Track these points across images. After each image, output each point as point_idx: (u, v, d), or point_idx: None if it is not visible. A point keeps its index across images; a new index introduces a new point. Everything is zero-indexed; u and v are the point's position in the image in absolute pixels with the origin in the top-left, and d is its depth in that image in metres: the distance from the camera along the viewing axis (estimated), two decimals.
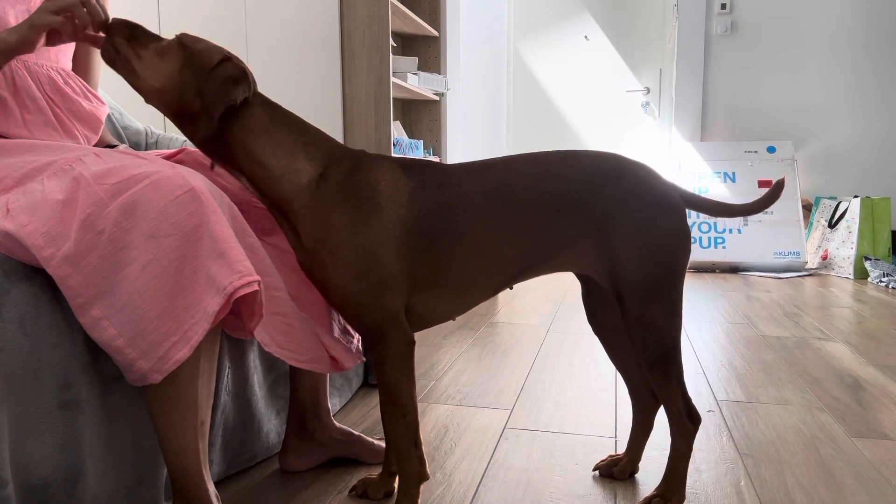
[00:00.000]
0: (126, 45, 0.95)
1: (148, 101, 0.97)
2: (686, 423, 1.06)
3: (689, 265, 4.13)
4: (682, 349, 2.10)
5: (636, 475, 1.23)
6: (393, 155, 0.86)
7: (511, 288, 1.30)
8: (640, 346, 1.02)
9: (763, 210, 1.09)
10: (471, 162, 1.03)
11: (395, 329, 0.97)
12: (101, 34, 0.97)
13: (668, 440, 1.38)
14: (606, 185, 1.00)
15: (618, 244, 1.00)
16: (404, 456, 1.02)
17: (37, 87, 1.09)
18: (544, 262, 1.03)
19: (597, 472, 1.24)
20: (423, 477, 1.05)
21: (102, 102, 1.21)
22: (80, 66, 1.30)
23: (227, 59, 0.96)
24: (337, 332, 1.12)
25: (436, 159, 3.44)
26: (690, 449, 1.08)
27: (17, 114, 1.06)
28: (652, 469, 1.25)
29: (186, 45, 0.95)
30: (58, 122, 1.12)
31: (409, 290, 0.98)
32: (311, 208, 0.95)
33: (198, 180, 0.88)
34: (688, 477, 1.22)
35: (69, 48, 1.21)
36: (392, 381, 0.98)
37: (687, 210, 1.08)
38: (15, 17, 1.08)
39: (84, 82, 1.19)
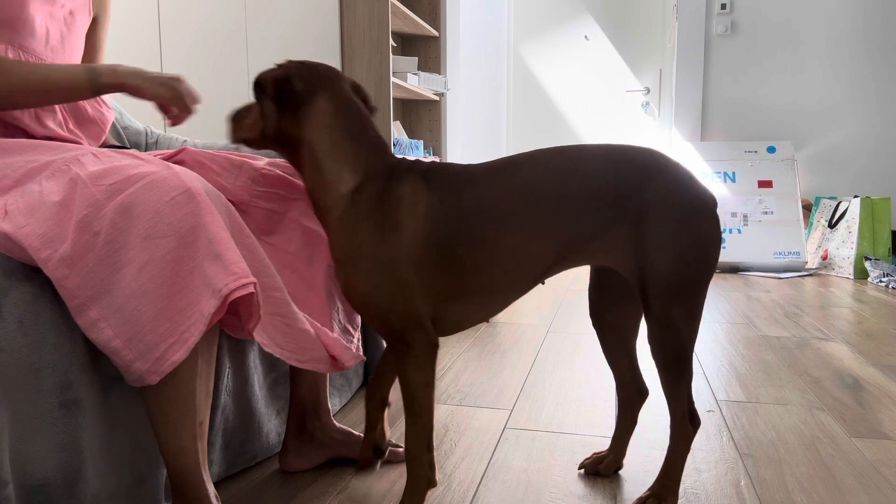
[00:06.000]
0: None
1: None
2: (687, 425, 1.07)
3: None
4: None
5: (641, 476, 1.23)
6: (423, 160, 0.89)
7: (543, 283, 1.31)
8: (658, 346, 1.02)
9: None
10: (496, 161, 1.02)
11: (417, 332, 0.98)
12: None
13: (667, 441, 1.38)
14: (642, 183, 0.99)
15: (651, 243, 0.98)
16: (415, 458, 1.02)
17: None
18: (574, 257, 1.02)
19: (583, 471, 1.24)
20: (431, 483, 1.04)
21: (109, 108, 1.21)
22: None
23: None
24: (337, 331, 1.12)
25: (436, 159, 3.45)
26: (688, 450, 1.08)
27: (33, 110, 1.07)
28: (653, 469, 1.25)
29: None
30: (64, 124, 1.13)
31: (433, 299, 0.99)
32: (343, 221, 0.98)
33: (194, 181, 0.88)
34: (688, 477, 1.22)
35: (79, 50, 1.21)
36: (411, 381, 0.99)
37: None
38: (41, 18, 1.09)
39: None
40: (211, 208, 0.87)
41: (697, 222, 0.99)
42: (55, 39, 1.14)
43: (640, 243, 0.99)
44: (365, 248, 0.96)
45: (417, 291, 0.97)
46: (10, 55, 1.06)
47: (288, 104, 0.98)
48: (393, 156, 1.03)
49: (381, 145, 1.02)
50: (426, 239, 0.96)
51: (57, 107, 1.13)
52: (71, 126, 1.16)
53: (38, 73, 1.01)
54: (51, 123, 1.10)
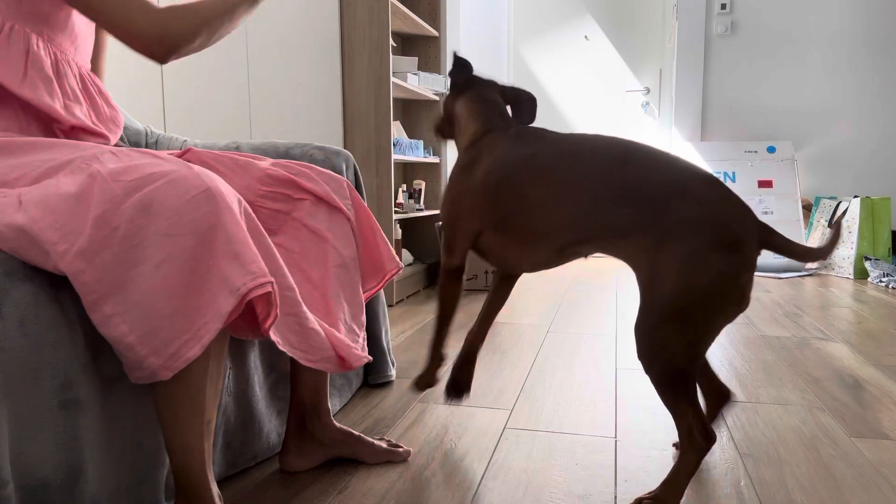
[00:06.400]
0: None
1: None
2: (698, 439, 1.04)
3: None
4: None
5: (641, 476, 1.23)
6: (537, 127, 1.25)
7: (586, 257, 1.50)
8: (645, 360, 1.04)
9: (831, 251, 1.06)
10: (573, 134, 1.19)
11: (456, 249, 1.28)
12: None
13: (668, 440, 1.38)
14: (675, 200, 1.01)
15: (664, 262, 1.00)
16: (432, 342, 1.39)
17: (75, 81, 1.11)
18: (600, 244, 1.10)
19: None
20: (431, 379, 1.42)
21: (116, 109, 1.22)
22: (92, 68, 1.31)
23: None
24: (343, 332, 1.12)
25: (436, 160, 3.45)
26: (698, 464, 1.05)
27: (60, 98, 1.07)
28: (653, 469, 1.25)
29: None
30: (90, 116, 1.13)
31: (482, 224, 1.23)
32: (457, 159, 1.32)
33: (214, 181, 0.88)
34: None
35: (90, 50, 1.21)
36: (439, 285, 1.33)
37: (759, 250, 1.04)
38: (74, 16, 1.09)
39: (103, 87, 1.19)
40: (230, 208, 0.87)
41: (712, 257, 0.98)
42: (81, 37, 1.15)
43: (655, 259, 1.01)
44: (454, 176, 1.29)
45: (471, 214, 1.23)
46: (41, 46, 1.06)
47: (452, 92, 1.41)
48: (507, 120, 1.32)
49: (497, 117, 1.32)
50: (487, 174, 1.20)
51: (82, 99, 1.13)
52: (94, 119, 1.16)
53: (206, 9, 1.03)
54: (78, 112, 1.10)
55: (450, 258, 1.29)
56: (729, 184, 4.06)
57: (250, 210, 0.95)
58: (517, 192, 1.15)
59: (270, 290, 0.86)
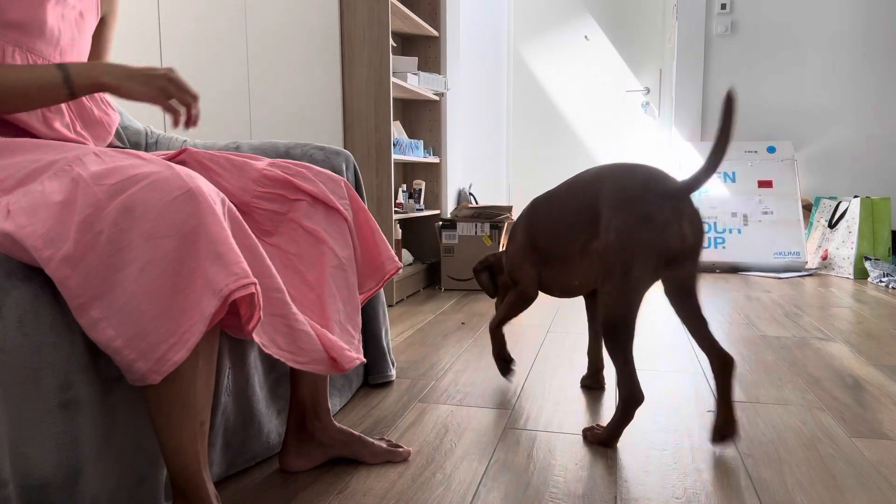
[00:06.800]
0: None
1: None
2: (628, 392, 1.29)
3: None
4: (682, 348, 2.10)
5: (641, 476, 1.23)
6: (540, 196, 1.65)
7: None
8: (598, 314, 1.42)
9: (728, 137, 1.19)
10: (558, 186, 1.54)
11: (524, 284, 1.63)
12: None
13: (667, 441, 1.38)
14: (600, 190, 1.35)
15: (601, 237, 1.31)
16: (492, 331, 1.75)
17: None
18: (590, 247, 1.39)
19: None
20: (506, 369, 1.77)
21: (114, 110, 1.21)
22: None
23: None
24: (337, 333, 1.12)
25: (436, 160, 3.45)
26: (628, 415, 1.32)
27: (39, 112, 1.07)
28: (653, 469, 1.25)
29: None
30: (71, 126, 1.13)
31: (536, 265, 1.59)
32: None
33: (196, 181, 0.88)
34: (688, 477, 1.22)
35: (86, 51, 1.21)
36: (509, 299, 1.67)
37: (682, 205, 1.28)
38: (52, 21, 1.08)
39: None
40: (213, 209, 0.87)
41: (623, 217, 1.26)
42: (66, 41, 1.14)
43: (599, 239, 1.33)
44: (510, 245, 1.67)
45: (528, 260, 1.60)
46: (18, 58, 1.05)
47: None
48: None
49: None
50: (526, 229, 1.60)
51: (64, 109, 1.12)
52: (78, 128, 1.16)
53: (9, 76, 0.99)
54: (58, 125, 1.10)
55: (525, 284, 1.64)
56: (729, 184, 4.07)
57: (235, 210, 0.95)
58: (542, 235, 1.53)
59: (253, 291, 0.85)
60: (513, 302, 1.66)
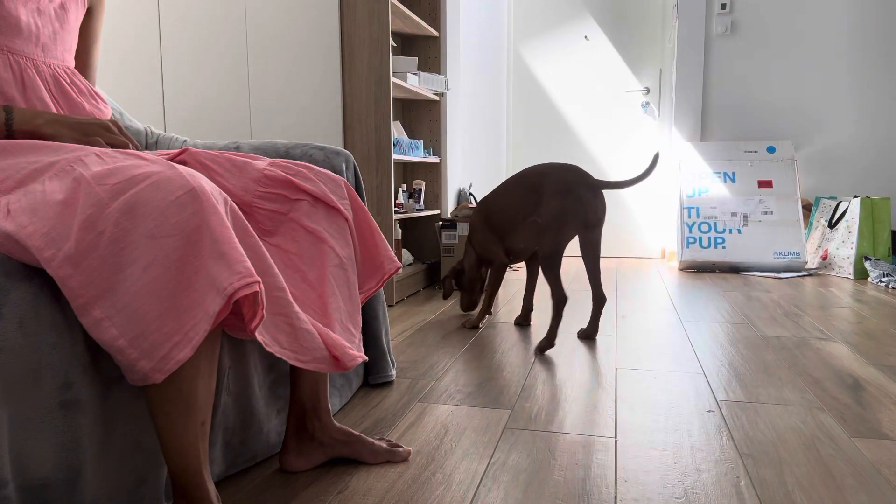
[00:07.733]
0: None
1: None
2: (556, 296, 2.08)
3: (689, 265, 4.10)
4: (682, 348, 2.11)
5: (641, 476, 1.23)
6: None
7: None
8: (539, 254, 2.11)
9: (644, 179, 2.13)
10: (506, 180, 2.32)
11: (496, 257, 2.37)
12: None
13: (667, 441, 1.39)
14: (544, 181, 2.15)
15: (543, 210, 2.12)
16: (485, 302, 2.48)
17: (44, 87, 1.09)
18: (525, 222, 2.22)
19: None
20: (477, 322, 2.46)
21: (106, 103, 1.21)
22: (80, 63, 1.30)
23: None
24: (339, 332, 1.12)
25: (436, 160, 3.45)
26: (558, 314, 2.08)
27: (28, 105, 1.07)
28: (653, 469, 1.25)
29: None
30: None
31: (497, 241, 2.35)
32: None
33: (199, 180, 0.88)
34: (688, 477, 1.22)
35: (72, 45, 1.21)
36: (492, 272, 2.43)
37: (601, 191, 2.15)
38: (26, 16, 1.08)
39: (89, 83, 1.19)
40: (215, 208, 0.87)
41: (562, 198, 2.08)
42: (46, 36, 1.13)
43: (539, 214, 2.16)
44: (474, 236, 2.45)
45: (492, 241, 2.36)
46: None
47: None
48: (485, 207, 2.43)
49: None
50: (482, 221, 2.38)
51: (51, 103, 1.12)
52: None
53: None
54: None
55: (497, 256, 2.38)
56: (729, 184, 4.07)
57: (237, 209, 0.95)
58: (496, 215, 2.33)
59: (257, 289, 0.85)
60: (495, 273, 2.41)
